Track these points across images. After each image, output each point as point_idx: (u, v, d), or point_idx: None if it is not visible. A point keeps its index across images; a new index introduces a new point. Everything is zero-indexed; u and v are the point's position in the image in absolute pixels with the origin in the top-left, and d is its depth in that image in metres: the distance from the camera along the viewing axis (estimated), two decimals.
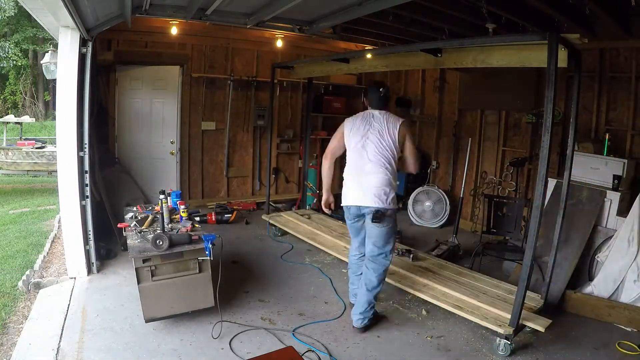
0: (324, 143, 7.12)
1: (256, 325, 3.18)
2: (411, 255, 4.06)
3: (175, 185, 6.09)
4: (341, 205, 3.41)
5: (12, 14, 15.13)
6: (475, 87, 5.88)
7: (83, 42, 3.67)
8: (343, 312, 3.46)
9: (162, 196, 3.39)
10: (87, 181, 3.80)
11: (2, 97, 19.20)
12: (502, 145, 5.67)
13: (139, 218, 3.52)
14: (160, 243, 2.92)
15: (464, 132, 6.14)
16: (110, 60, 5.44)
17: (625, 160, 3.96)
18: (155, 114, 5.93)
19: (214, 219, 5.61)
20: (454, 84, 6.25)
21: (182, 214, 3.57)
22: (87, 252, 3.84)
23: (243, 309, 3.42)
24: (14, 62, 16.72)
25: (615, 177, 3.90)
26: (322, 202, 3.55)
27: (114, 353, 2.77)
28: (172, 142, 6.02)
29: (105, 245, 4.24)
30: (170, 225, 3.40)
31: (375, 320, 3.24)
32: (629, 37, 4.19)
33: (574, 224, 3.87)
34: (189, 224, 3.42)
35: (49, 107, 19.46)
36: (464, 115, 6.16)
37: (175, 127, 6.01)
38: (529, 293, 3.12)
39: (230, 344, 2.91)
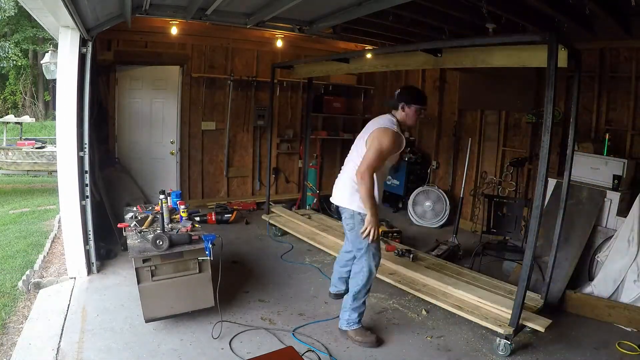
0: (324, 143, 7.15)
1: (256, 325, 3.18)
2: (411, 255, 4.06)
3: (175, 185, 6.09)
4: None
5: (12, 14, 15.12)
6: (475, 87, 5.88)
7: (83, 42, 3.67)
8: None
9: (162, 196, 3.39)
10: (87, 181, 3.80)
11: (2, 97, 19.21)
12: (502, 145, 5.67)
13: (139, 218, 3.52)
14: (160, 243, 2.92)
15: (464, 132, 6.14)
16: (110, 60, 5.44)
17: (625, 160, 3.96)
18: (155, 114, 5.93)
19: (214, 219, 5.61)
20: (454, 84, 6.25)
21: (182, 214, 3.57)
22: (87, 252, 3.84)
23: (243, 309, 3.42)
24: (14, 62, 16.72)
25: (615, 177, 3.90)
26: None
27: (114, 353, 2.77)
28: (172, 142, 6.02)
29: (105, 245, 4.24)
30: (170, 225, 3.40)
31: (362, 330, 3.03)
32: (629, 37, 4.19)
33: (574, 224, 3.88)
34: (189, 224, 3.42)
35: (49, 107, 19.47)
36: (464, 115, 6.16)
37: (175, 127, 6.01)
38: (529, 293, 3.13)
39: (230, 344, 2.91)
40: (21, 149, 10.74)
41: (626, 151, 4.41)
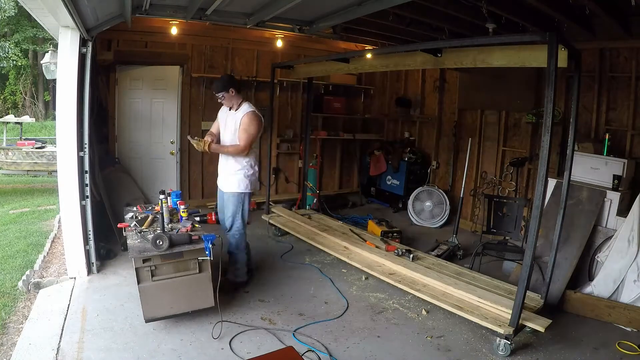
0: (324, 143, 7.15)
1: (256, 325, 3.19)
2: (411, 255, 4.06)
3: (175, 185, 6.08)
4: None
5: (12, 14, 15.11)
6: (475, 87, 5.88)
7: (83, 42, 3.67)
8: (343, 312, 3.46)
9: (162, 196, 3.39)
10: (87, 181, 3.80)
11: (2, 97, 19.20)
12: (502, 145, 5.67)
13: (139, 218, 3.52)
14: (160, 243, 2.92)
15: (464, 132, 6.14)
16: (110, 60, 5.44)
17: (625, 160, 3.96)
18: (155, 114, 5.93)
19: (214, 219, 5.60)
20: (454, 84, 6.25)
21: (182, 214, 3.57)
22: (87, 252, 3.84)
23: (243, 309, 3.42)
24: (14, 62, 16.70)
25: (615, 177, 3.90)
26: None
27: (114, 353, 2.77)
28: (172, 142, 6.02)
29: (105, 245, 4.24)
30: (170, 225, 3.40)
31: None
32: (629, 37, 4.19)
33: (574, 224, 3.88)
34: (189, 224, 3.42)
35: (49, 107, 19.46)
36: (464, 115, 6.16)
37: (175, 127, 6.01)
38: (529, 293, 3.13)
39: (230, 344, 2.91)
40: (21, 149, 10.73)
41: (626, 151, 4.41)
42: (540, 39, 2.70)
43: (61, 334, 2.94)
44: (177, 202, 3.68)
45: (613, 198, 3.85)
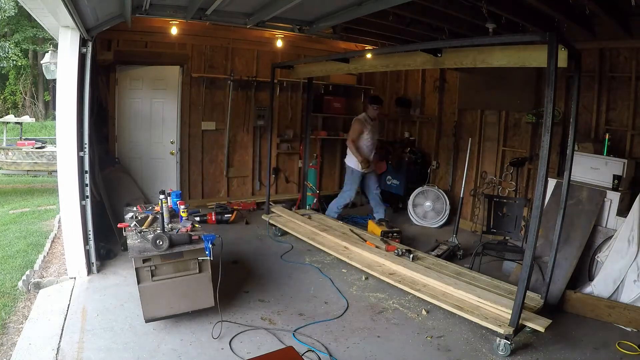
0: (324, 143, 7.15)
1: (256, 325, 3.19)
2: (411, 255, 4.06)
3: (175, 185, 6.09)
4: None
5: (12, 14, 15.11)
6: (475, 87, 5.88)
7: (83, 42, 3.67)
8: (343, 312, 3.46)
9: (162, 196, 3.39)
10: (87, 181, 3.80)
11: (2, 97, 19.20)
12: (502, 145, 5.67)
13: (139, 218, 3.52)
14: (160, 243, 2.92)
15: (464, 132, 6.14)
16: (110, 60, 5.44)
17: (625, 160, 3.96)
18: (155, 114, 5.93)
19: (214, 219, 5.61)
20: (454, 84, 6.25)
21: (182, 214, 3.57)
22: (87, 252, 3.84)
23: (243, 309, 3.42)
24: (14, 62, 16.70)
25: (615, 177, 3.90)
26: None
27: (114, 353, 2.77)
28: (172, 142, 6.02)
29: (105, 245, 4.24)
30: (170, 225, 3.40)
31: None
32: (629, 37, 4.19)
33: (574, 224, 3.88)
34: (189, 224, 3.42)
35: (49, 107, 19.46)
36: (464, 115, 6.16)
37: (175, 127, 6.01)
38: (529, 293, 3.13)
39: (230, 344, 2.91)
40: (21, 149, 10.73)
41: (626, 151, 4.41)
42: (540, 39, 2.70)
43: (61, 334, 2.94)
44: (177, 202, 3.68)
45: (613, 198, 3.85)
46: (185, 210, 3.60)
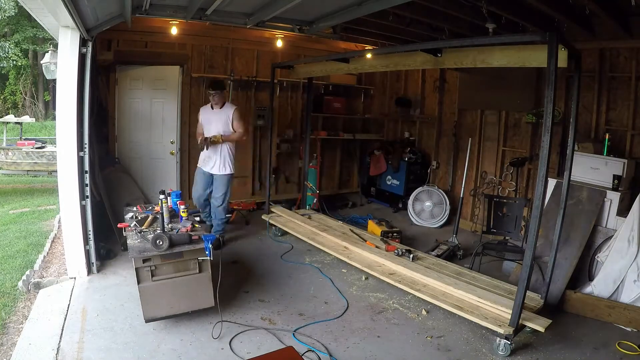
0: (324, 143, 7.14)
1: (256, 325, 3.19)
2: (411, 255, 4.06)
3: (175, 185, 6.07)
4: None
5: (12, 14, 15.11)
6: (475, 87, 5.88)
7: (83, 42, 3.67)
8: (343, 312, 3.46)
9: (162, 196, 3.39)
10: (87, 181, 3.80)
11: (2, 97, 19.19)
12: (502, 145, 5.67)
13: (139, 218, 3.52)
14: (160, 243, 2.92)
15: (464, 132, 6.14)
16: (110, 60, 5.43)
17: (625, 160, 3.96)
18: (155, 114, 5.92)
19: None
20: (454, 84, 6.25)
21: (182, 214, 3.57)
22: (87, 252, 3.84)
23: (243, 309, 3.42)
24: (14, 62, 16.70)
25: (615, 177, 3.90)
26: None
27: (114, 353, 2.77)
28: (172, 142, 6.02)
29: (105, 245, 4.24)
30: (170, 225, 3.40)
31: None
32: (629, 37, 4.19)
33: (574, 224, 3.88)
34: (189, 224, 3.42)
35: (49, 107, 19.45)
36: (464, 115, 6.16)
37: (175, 127, 6.00)
38: (529, 293, 3.13)
39: (230, 344, 2.91)
40: (21, 149, 10.73)
41: (626, 151, 4.41)
42: (540, 39, 2.70)
43: (61, 334, 2.94)
44: (177, 202, 3.68)
45: (613, 198, 3.85)
46: (185, 210, 3.60)
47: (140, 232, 3.22)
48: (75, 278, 3.78)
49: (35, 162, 10.70)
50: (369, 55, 4.34)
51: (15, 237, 5.14)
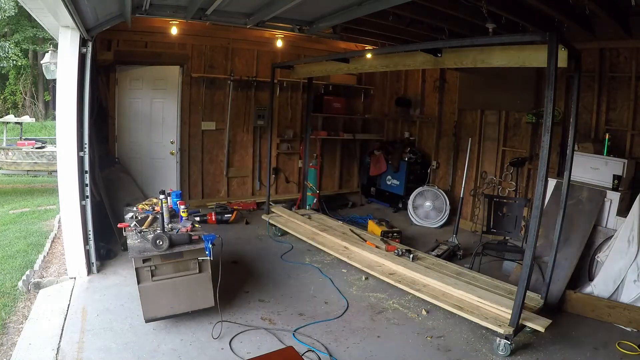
0: (324, 143, 7.15)
1: (256, 325, 3.18)
2: (411, 255, 4.06)
3: (175, 185, 6.08)
4: None
5: (12, 14, 15.10)
6: (475, 87, 5.88)
7: (83, 42, 3.67)
8: (343, 312, 3.46)
9: (162, 196, 3.39)
10: (87, 181, 3.80)
11: (2, 97, 19.18)
12: (502, 145, 5.67)
13: (139, 218, 3.52)
14: (160, 243, 2.92)
15: (464, 132, 6.14)
16: (110, 60, 5.44)
17: (625, 160, 3.96)
18: (155, 114, 5.93)
19: (214, 219, 5.61)
20: (454, 84, 6.25)
21: (182, 214, 3.57)
22: (87, 252, 3.84)
23: (243, 309, 3.42)
24: (14, 62, 16.68)
25: (615, 177, 3.90)
26: None
27: (114, 353, 2.77)
28: (172, 142, 6.02)
29: (105, 245, 4.24)
30: (170, 225, 3.40)
31: None
32: (629, 37, 4.19)
33: (574, 224, 3.87)
34: (189, 224, 3.42)
35: (49, 107, 19.45)
36: (464, 115, 6.16)
37: (175, 127, 6.01)
38: (529, 293, 3.13)
39: (230, 344, 2.91)
40: (21, 149, 10.73)
41: (626, 151, 4.41)
42: (540, 39, 2.70)
43: (61, 334, 2.94)
44: (177, 202, 3.68)
45: (613, 198, 3.85)
46: (185, 210, 3.60)
47: (140, 232, 3.22)
48: (75, 278, 3.78)
49: (35, 162, 10.70)
50: (369, 55, 4.34)
51: (15, 237, 5.13)
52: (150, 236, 3.02)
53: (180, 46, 5.94)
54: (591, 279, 3.79)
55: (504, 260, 4.39)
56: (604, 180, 3.99)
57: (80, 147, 3.72)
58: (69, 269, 3.83)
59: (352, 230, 4.88)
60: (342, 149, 7.45)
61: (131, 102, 5.78)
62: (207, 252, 3.04)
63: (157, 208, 3.70)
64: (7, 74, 18.73)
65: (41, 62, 12.21)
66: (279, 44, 6.13)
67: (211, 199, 6.39)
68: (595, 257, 3.82)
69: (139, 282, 2.93)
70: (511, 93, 5.38)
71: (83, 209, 3.78)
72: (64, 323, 3.07)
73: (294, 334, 3.09)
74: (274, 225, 5.27)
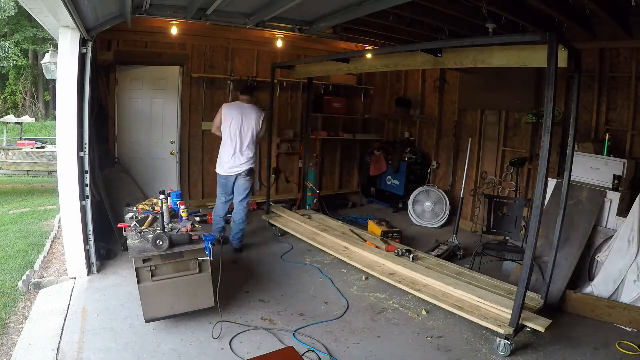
0: (324, 143, 7.15)
1: (256, 325, 3.19)
2: (411, 256, 4.06)
3: (175, 185, 6.08)
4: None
5: (12, 14, 15.11)
6: (475, 87, 5.88)
7: (83, 42, 3.67)
8: (344, 312, 3.46)
9: (162, 196, 3.39)
10: (87, 181, 3.80)
11: (2, 97, 19.19)
12: (502, 145, 5.67)
13: (139, 218, 3.52)
14: (160, 243, 2.92)
15: (464, 132, 6.14)
16: (110, 60, 5.44)
17: (625, 160, 3.96)
18: (155, 114, 5.93)
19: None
20: (454, 84, 6.25)
21: (182, 214, 3.57)
22: (87, 252, 3.84)
23: (243, 309, 3.42)
24: (14, 62, 16.69)
25: (615, 177, 3.90)
26: None
27: (114, 353, 2.77)
28: (172, 142, 6.02)
29: (105, 245, 4.24)
30: (170, 225, 3.40)
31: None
32: (629, 37, 4.19)
33: (574, 224, 3.88)
34: (189, 224, 3.42)
35: (49, 107, 19.45)
36: (464, 115, 6.16)
37: (175, 127, 6.01)
38: (529, 293, 3.13)
39: (230, 344, 2.91)
40: (21, 149, 10.73)
41: (626, 151, 4.41)
42: (540, 39, 2.70)
43: (61, 334, 2.94)
44: (177, 202, 3.68)
45: (613, 198, 3.85)
46: (185, 210, 3.60)
47: (140, 232, 3.22)
48: (75, 278, 3.78)
49: (35, 162, 10.70)
50: (369, 55, 4.35)
51: (15, 237, 5.14)
52: (150, 236, 3.02)
53: (180, 46, 5.94)
54: (591, 279, 3.79)
55: (504, 260, 4.39)
56: (604, 180, 3.99)
57: (80, 147, 3.72)
58: (69, 269, 3.83)
59: (352, 230, 4.88)
60: (342, 149, 7.45)
61: (131, 102, 5.78)
62: (207, 252, 3.04)
63: (157, 208, 3.70)
64: (7, 74, 18.73)
65: (41, 62, 12.22)
66: (279, 44, 6.13)
67: (211, 199, 6.37)
68: (595, 257, 3.82)
69: (139, 282, 2.93)
70: (511, 93, 5.38)
71: (83, 209, 3.78)
72: (63, 323, 3.07)
73: (294, 334, 3.09)
74: (274, 225, 5.27)
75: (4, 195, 7.78)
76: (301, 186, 6.55)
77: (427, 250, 4.68)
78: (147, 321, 2.98)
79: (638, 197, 3.62)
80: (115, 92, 5.68)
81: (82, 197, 3.77)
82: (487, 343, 3.07)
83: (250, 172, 4.58)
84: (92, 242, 3.85)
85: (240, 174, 4.52)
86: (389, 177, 6.88)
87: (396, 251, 4.17)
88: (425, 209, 6.12)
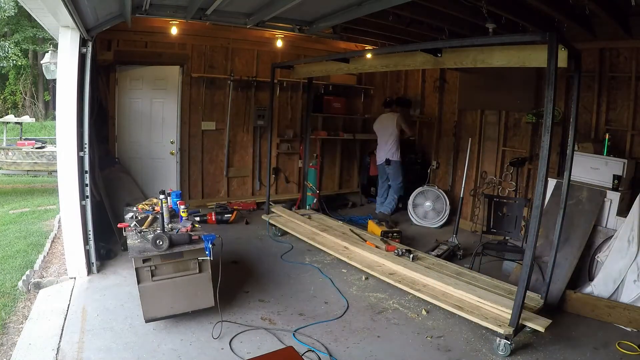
0: (324, 143, 7.15)
1: (256, 325, 3.19)
2: (411, 255, 4.06)
3: (175, 185, 6.09)
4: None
5: (12, 14, 15.10)
6: (475, 87, 5.88)
7: (83, 42, 3.67)
8: (344, 312, 3.46)
9: (162, 196, 3.39)
10: (87, 181, 3.80)
11: (2, 97, 19.18)
12: (502, 145, 5.67)
13: (139, 218, 3.52)
14: (160, 243, 2.92)
15: (464, 132, 6.14)
16: (110, 60, 5.44)
17: (625, 160, 3.96)
18: (155, 114, 5.93)
19: (214, 219, 5.61)
20: (454, 84, 6.25)
21: (182, 214, 3.57)
22: (87, 252, 3.84)
23: (243, 309, 3.42)
24: (14, 62, 16.68)
25: (615, 177, 3.90)
26: None
27: (114, 353, 2.77)
28: (172, 142, 6.02)
29: (105, 245, 4.24)
30: (170, 225, 3.40)
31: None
32: (629, 37, 4.19)
33: (574, 224, 3.88)
34: (189, 224, 3.42)
35: (49, 107, 19.45)
36: (464, 115, 6.16)
37: (175, 127, 6.01)
38: (529, 293, 3.13)
39: (230, 344, 2.91)
40: (21, 149, 10.73)
41: (626, 151, 4.41)
42: (540, 39, 2.70)
43: (61, 334, 2.94)
44: (177, 202, 3.68)
45: (613, 198, 3.85)
46: (185, 210, 3.60)
47: (140, 232, 3.22)
48: (75, 278, 3.78)
49: (35, 162, 10.70)
50: (369, 55, 4.34)
51: (15, 237, 5.14)
52: (150, 236, 3.02)
53: (180, 46, 5.94)
54: (591, 279, 3.79)
55: (504, 260, 4.39)
56: (604, 180, 3.99)
57: (80, 147, 3.72)
58: (69, 269, 3.83)
59: (352, 230, 4.88)
60: (342, 149, 7.45)
61: (131, 102, 5.78)
62: (207, 252, 3.04)
63: (157, 208, 3.70)
64: (7, 74, 18.73)
65: (41, 62, 12.21)
66: (279, 44, 6.13)
67: (211, 199, 6.39)
68: (595, 257, 3.82)
69: (139, 282, 2.93)
70: (511, 93, 5.38)
71: (83, 209, 3.78)
72: (63, 323, 3.07)
73: (294, 334, 3.09)
74: (274, 225, 5.27)
75: (4, 195, 7.78)
76: (301, 186, 6.55)
77: (427, 250, 4.68)
78: (147, 321, 2.98)
79: (638, 197, 3.61)
80: (115, 92, 5.68)
81: (82, 197, 3.77)
82: (487, 343, 3.07)
83: (388, 162, 6.04)
84: (92, 242, 3.85)
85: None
86: None
87: (396, 251, 4.17)
88: (426, 209, 6.12)
